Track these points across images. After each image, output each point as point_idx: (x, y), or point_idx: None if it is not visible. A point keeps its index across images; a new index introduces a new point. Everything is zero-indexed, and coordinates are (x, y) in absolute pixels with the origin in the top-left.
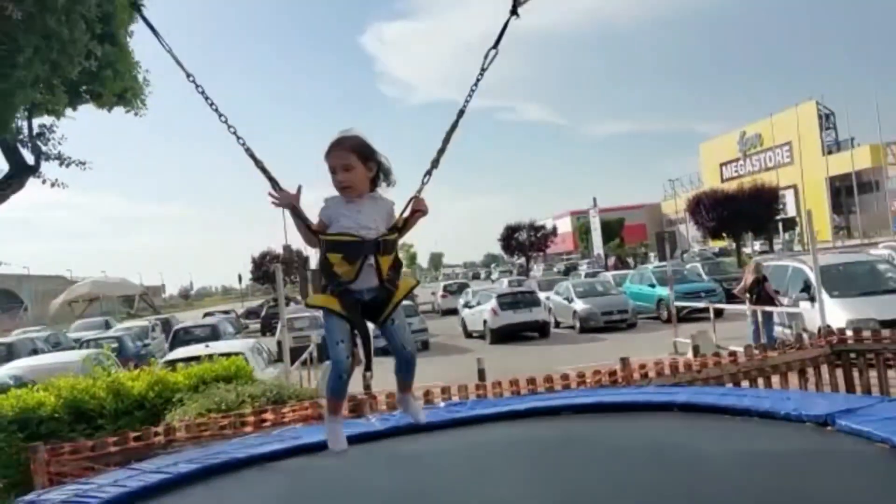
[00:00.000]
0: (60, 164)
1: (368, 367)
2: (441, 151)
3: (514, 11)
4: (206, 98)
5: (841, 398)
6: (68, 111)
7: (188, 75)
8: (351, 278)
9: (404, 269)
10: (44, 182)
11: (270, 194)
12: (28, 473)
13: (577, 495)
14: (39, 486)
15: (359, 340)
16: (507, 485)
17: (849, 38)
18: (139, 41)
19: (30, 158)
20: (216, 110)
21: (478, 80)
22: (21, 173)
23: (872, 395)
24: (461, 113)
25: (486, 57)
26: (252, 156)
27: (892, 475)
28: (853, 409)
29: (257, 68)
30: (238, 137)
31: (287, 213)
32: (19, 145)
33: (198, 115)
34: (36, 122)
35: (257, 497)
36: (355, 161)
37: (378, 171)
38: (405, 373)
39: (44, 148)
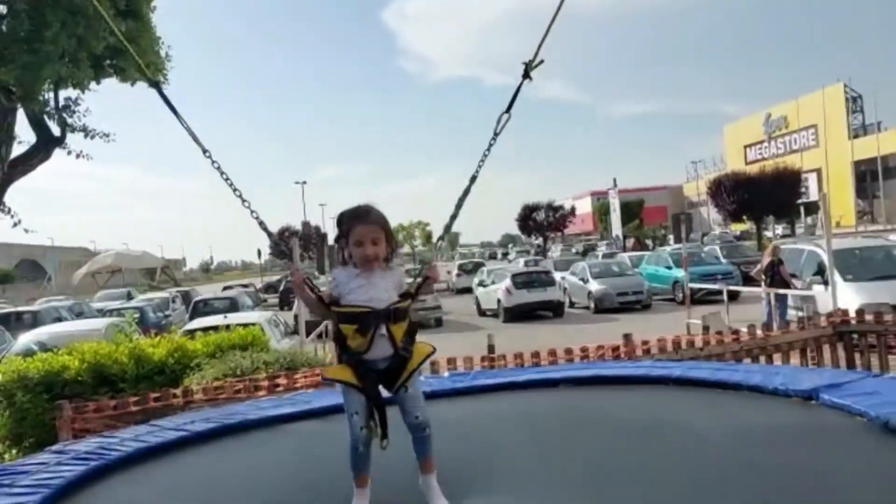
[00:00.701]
0: (85, 136)
1: (385, 436)
2: (453, 217)
3: (526, 75)
4: (227, 180)
5: (828, 374)
6: (93, 84)
7: (204, 151)
8: (364, 349)
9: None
10: (69, 153)
11: (291, 273)
12: (53, 432)
13: (570, 462)
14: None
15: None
16: (503, 452)
17: (879, 20)
18: (162, 17)
19: (56, 130)
20: (240, 196)
21: (490, 144)
22: (47, 144)
23: (859, 371)
24: (473, 179)
25: (498, 121)
26: (275, 243)
27: (861, 447)
28: (837, 385)
29: (276, 40)
30: (265, 230)
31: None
32: (46, 117)
33: (218, 91)
34: (62, 94)
35: (269, 455)
36: (382, 236)
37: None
38: (419, 446)
39: (69, 120)
